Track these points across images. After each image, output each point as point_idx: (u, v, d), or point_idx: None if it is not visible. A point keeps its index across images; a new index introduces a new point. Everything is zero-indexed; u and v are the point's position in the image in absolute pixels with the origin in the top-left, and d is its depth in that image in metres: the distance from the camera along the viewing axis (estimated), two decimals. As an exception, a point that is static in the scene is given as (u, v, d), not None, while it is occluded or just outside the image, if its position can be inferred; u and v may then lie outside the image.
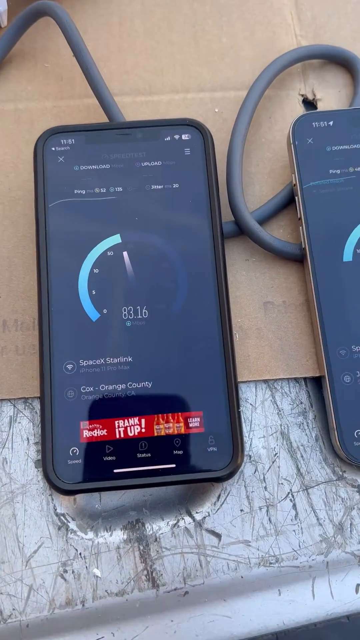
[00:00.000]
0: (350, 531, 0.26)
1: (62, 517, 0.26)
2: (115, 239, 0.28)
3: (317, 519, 0.26)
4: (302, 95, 0.33)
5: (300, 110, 0.33)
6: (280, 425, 0.28)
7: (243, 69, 0.34)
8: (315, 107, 0.33)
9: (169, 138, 0.29)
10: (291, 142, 0.29)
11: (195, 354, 0.27)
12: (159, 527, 0.26)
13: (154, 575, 0.26)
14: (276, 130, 0.33)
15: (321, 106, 0.33)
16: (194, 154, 0.29)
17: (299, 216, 0.29)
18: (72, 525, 0.26)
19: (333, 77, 0.34)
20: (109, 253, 0.28)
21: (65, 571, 0.26)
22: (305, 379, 0.29)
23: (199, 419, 0.26)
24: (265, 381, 0.28)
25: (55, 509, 0.26)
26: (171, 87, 0.33)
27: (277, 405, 0.28)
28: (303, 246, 0.29)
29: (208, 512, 0.26)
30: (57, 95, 0.33)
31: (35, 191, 0.28)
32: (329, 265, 0.28)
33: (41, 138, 0.29)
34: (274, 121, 0.33)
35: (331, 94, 0.33)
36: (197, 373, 0.26)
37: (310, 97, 0.33)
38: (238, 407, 0.26)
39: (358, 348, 0.27)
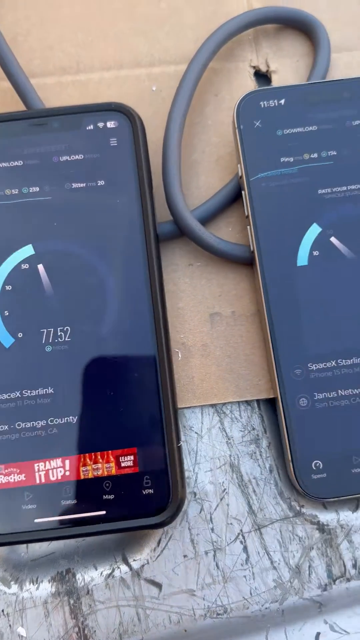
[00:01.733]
0: (309, 574, 0.23)
1: (-18, 570, 0.23)
2: (28, 250, 0.24)
3: (271, 562, 0.23)
4: (254, 67, 0.29)
5: (251, 85, 0.29)
6: (230, 455, 0.25)
7: (185, 38, 0.29)
8: (269, 81, 0.29)
9: (91, 127, 0.25)
10: (235, 125, 0.25)
11: (127, 381, 0.23)
12: (92, 577, 0.23)
13: (86, 632, 0.23)
14: (224, 110, 0.28)
15: (276, 79, 0.29)
16: (122, 145, 0.25)
17: (246, 214, 0.25)
18: (-5, 578, 0.23)
19: (290, 45, 0.29)
20: (23, 266, 0.24)
21: (-13, 632, 0.23)
22: (258, 401, 0.25)
23: (132, 458, 0.23)
24: (213, 405, 0.25)
25: (-25, 561, 0.23)
26: (102, 63, 0.29)
27: (226, 433, 0.25)
28: (252, 249, 0.25)
29: (147, 559, 0.23)
30: (-30, 78, 0.29)
31: None
32: (281, 271, 0.24)
33: None
34: (221, 99, 0.28)
35: (288, 65, 0.29)
36: (129, 403, 0.23)
37: (263, 68, 0.29)
38: (178, 441, 0.23)
39: (316, 366, 0.24)
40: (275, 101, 0.25)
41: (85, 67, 0.29)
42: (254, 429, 0.25)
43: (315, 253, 0.24)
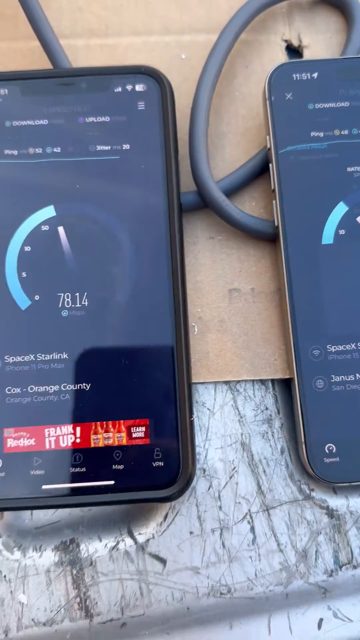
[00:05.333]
0: (315, 559, 0.23)
1: (-16, 535, 0.23)
2: (49, 211, 0.23)
3: (278, 545, 0.23)
4: (286, 41, 0.28)
5: (282, 58, 0.28)
6: (242, 434, 0.24)
7: (217, 7, 0.29)
8: (300, 56, 0.28)
9: (119, 89, 0.24)
10: (266, 97, 0.25)
11: (143, 351, 0.23)
12: (96, 549, 0.23)
13: (87, 603, 0.22)
14: (253, 82, 0.28)
15: (307, 54, 0.28)
16: (150, 109, 0.24)
17: (272, 188, 0.24)
18: (-4, 544, 0.23)
19: (324, 21, 0.29)
20: (43, 228, 0.23)
21: (-14, 597, 0.22)
22: (273, 380, 0.25)
23: (144, 429, 0.22)
24: (227, 382, 0.25)
25: (-22, 525, 0.23)
26: (131, 28, 0.28)
27: (238, 411, 0.24)
28: (276, 224, 0.24)
29: (152, 534, 0.23)
30: (-4, 36, 0.28)
31: None
32: (305, 249, 0.24)
33: None
34: (251, 71, 0.28)
35: (320, 41, 0.28)
36: (144, 374, 0.22)
37: (295, 43, 0.28)
38: (191, 415, 0.22)
39: (334, 348, 0.23)
40: (308, 74, 0.25)
41: (114, 31, 0.28)
42: (267, 408, 0.24)
43: (341, 232, 0.24)
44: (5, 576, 0.23)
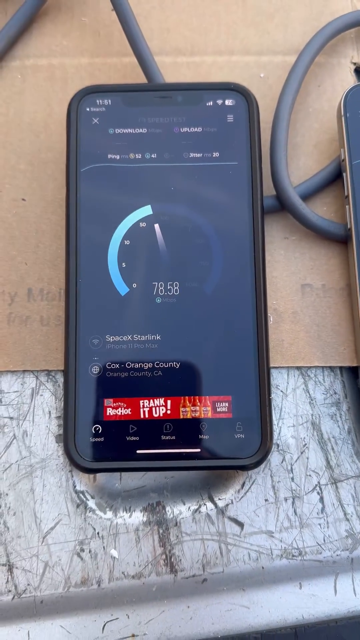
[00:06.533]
0: (379, 529, 0.25)
1: (81, 495, 0.26)
2: (147, 210, 0.26)
3: (345, 514, 0.25)
4: (355, 64, 0.31)
5: (351, 80, 0.31)
6: (312, 415, 0.27)
7: (292, 31, 0.32)
8: (368, 77, 0.31)
9: (211, 103, 0.27)
10: (342, 113, 0.27)
11: (227, 336, 0.25)
12: (180, 511, 0.25)
13: (172, 560, 0.25)
14: (325, 100, 0.30)
15: (375, 76, 0.31)
16: (238, 122, 0.27)
17: (345, 194, 0.27)
18: (91, 503, 0.26)
19: (390, 45, 0.31)
20: (141, 224, 0.26)
21: (82, 550, 0.25)
22: (341, 368, 0.27)
23: (227, 404, 0.25)
24: (299, 368, 0.27)
25: (75, 486, 0.26)
26: (214, 48, 0.31)
27: (309, 394, 0.27)
28: (348, 227, 0.27)
29: (231, 500, 0.26)
30: (93, 52, 0.31)
31: (66, 154, 0.27)
32: (375, 249, 0.26)
33: (75, 97, 0.27)
34: (323, 90, 0.31)
35: (386, 63, 0.31)
36: (228, 356, 0.25)
37: (363, 65, 0.31)
38: (269, 394, 0.25)
39: None
40: (381, 94, 0.27)
41: (199, 51, 0.31)
42: (335, 393, 0.27)
43: None
44: (98, 533, 0.25)
